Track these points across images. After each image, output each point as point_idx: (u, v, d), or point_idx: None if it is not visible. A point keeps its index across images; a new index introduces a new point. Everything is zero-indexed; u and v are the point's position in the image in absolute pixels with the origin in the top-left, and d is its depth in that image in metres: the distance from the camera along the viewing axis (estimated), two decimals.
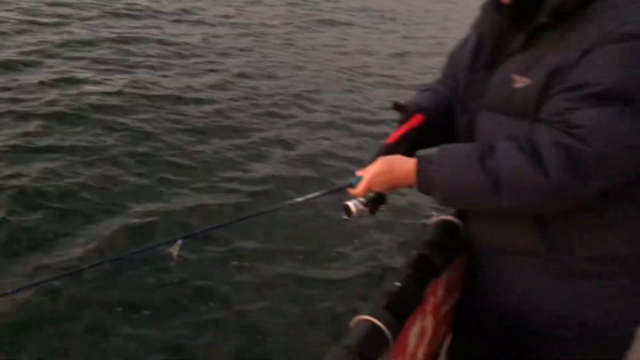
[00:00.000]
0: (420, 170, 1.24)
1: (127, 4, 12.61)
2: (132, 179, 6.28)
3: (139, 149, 6.82)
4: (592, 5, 1.13)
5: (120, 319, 4.49)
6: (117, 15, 11.88)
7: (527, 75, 1.18)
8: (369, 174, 1.29)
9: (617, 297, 1.26)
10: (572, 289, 1.26)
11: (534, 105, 1.17)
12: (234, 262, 5.73)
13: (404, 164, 1.26)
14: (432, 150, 1.24)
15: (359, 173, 1.34)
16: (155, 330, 4.47)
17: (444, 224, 1.38)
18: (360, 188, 1.29)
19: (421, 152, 1.25)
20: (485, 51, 1.32)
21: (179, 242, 1.32)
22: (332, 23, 14.93)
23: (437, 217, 1.41)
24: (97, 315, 4.64)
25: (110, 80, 8.51)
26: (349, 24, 15.04)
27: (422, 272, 1.22)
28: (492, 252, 1.35)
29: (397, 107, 1.43)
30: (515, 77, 1.19)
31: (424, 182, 1.24)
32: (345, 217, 1.36)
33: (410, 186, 1.27)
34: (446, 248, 1.33)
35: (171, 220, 6.14)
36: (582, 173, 1.10)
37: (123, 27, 11.23)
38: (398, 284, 1.14)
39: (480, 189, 1.17)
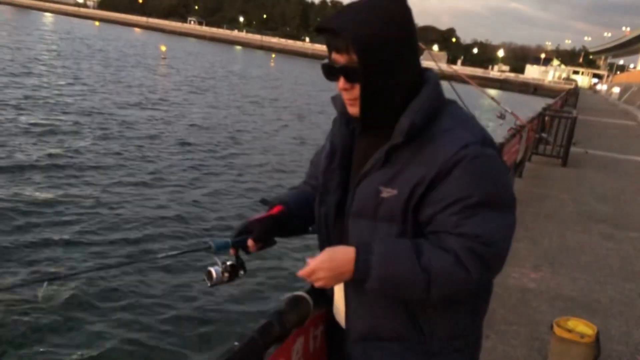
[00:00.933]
0: (359, 259, 1.39)
1: None
2: None
3: None
4: (432, 128, 1.41)
5: None
6: None
7: (392, 186, 1.41)
8: (315, 261, 1.42)
9: None
10: None
11: (400, 210, 1.41)
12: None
13: (346, 253, 1.41)
14: (371, 243, 1.41)
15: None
16: None
17: (294, 298, 1.58)
18: (305, 271, 1.43)
19: (361, 243, 1.42)
20: (338, 157, 1.59)
21: (45, 284, 1.45)
22: None
23: (290, 293, 1.62)
24: None
25: None
26: None
27: (262, 337, 1.40)
28: (366, 340, 1.55)
29: (262, 201, 1.73)
30: (382, 188, 1.43)
31: (362, 270, 1.39)
32: (207, 281, 1.53)
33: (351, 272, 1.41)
34: (292, 319, 1.52)
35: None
36: (491, 268, 1.41)
37: None
38: (237, 343, 1.32)
39: (416, 284, 1.38)
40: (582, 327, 3.54)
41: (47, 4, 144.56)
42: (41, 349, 5.26)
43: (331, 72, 1.44)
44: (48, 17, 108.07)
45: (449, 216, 1.37)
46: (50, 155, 11.89)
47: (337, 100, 1.60)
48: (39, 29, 59.69)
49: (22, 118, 15.12)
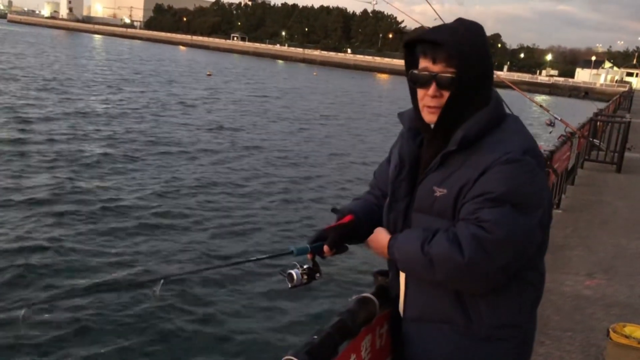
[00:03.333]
0: (388, 246, 1.71)
1: None
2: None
3: None
4: (485, 139, 1.60)
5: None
6: None
7: (443, 187, 1.62)
8: (370, 238, 1.80)
9: (513, 355, 1.69)
10: (482, 350, 1.66)
11: (449, 208, 1.62)
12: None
13: (384, 238, 1.75)
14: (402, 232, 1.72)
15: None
16: None
17: (363, 299, 1.74)
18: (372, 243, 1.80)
19: (397, 234, 1.73)
20: (406, 168, 1.77)
21: (161, 281, 1.65)
22: None
23: (358, 294, 1.77)
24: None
25: None
26: None
27: (337, 332, 1.55)
28: (419, 321, 1.74)
29: (333, 210, 1.94)
30: (435, 188, 1.64)
31: (390, 254, 1.72)
32: (288, 283, 1.72)
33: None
34: (361, 317, 1.68)
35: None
36: (488, 253, 1.52)
37: None
38: (315, 337, 1.48)
39: (421, 265, 1.60)
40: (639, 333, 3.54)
41: (97, 26, 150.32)
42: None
43: (424, 79, 1.64)
44: (97, 38, 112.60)
45: (471, 205, 1.56)
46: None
47: (404, 116, 1.83)
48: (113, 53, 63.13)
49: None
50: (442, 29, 1.63)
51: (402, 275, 1.78)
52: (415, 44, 1.68)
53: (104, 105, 23.65)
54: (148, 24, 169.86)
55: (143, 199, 11.33)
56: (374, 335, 1.82)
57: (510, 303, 1.66)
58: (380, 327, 1.87)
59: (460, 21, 1.66)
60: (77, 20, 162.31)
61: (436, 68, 1.61)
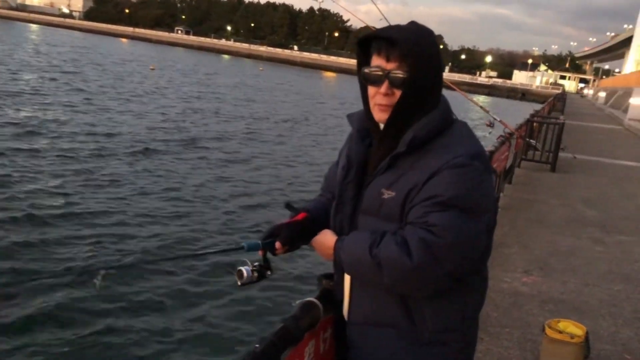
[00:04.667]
0: (335, 248, 1.69)
1: None
2: None
3: None
4: (434, 142, 1.61)
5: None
6: None
7: (392, 189, 1.61)
8: (314, 238, 1.76)
9: (456, 358, 1.70)
10: (425, 353, 1.66)
11: (397, 211, 1.60)
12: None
13: (330, 240, 1.72)
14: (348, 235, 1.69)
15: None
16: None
17: (307, 304, 1.72)
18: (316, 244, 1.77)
19: (344, 236, 1.70)
20: (354, 169, 1.76)
21: (102, 272, 1.58)
22: None
23: (302, 299, 1.75)
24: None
25: None
26: None
27: (280, 340, 1.52)
28: (364, 325, 1.73)
29: (287, 206, 1.89)
30: (383, 190, 1.63)
31: (336, 256, 1.69)
32: (237, 280, 1.67)
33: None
34: (305, 322, 1.65)
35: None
36: (436, 258, 1.52)
37: None
38: (257, 346, 1.45)
39: (368, 268, 1.58)
40: (572, 328, 3.68)
41: (32, 15, 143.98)
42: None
43: (376, 76, 1.64)
44: (34, 28, 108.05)
45: (420, 208, 1.55)
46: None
47: (353, 118, 1.82)
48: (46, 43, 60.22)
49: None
50: (398, 28, 1.63)
51: (347, 279, 1.76)
52: (369, 42, 1.68)
53: (37, 95, 22.65)
54: (88, 15, 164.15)
55: (86, 191, 11.14)
56: (317, 340, 1.80)
57: (454, 308, 1.67)
58: (324, 332, 1.85)
59: (414, 23, 1.67)
60: (11, 8, 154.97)
61: (389, 66, 1.61)
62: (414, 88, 1.60)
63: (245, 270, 1.67)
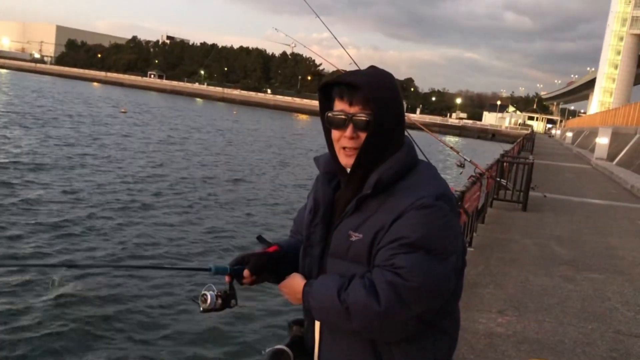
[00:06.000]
0: (303, 292, 1.65)
1: None
2: None
3: None
4: (399, 183, 1.61)
5: None
6: None
7: (359, 231, 1.60)
8: (282, 282, 1.72)
9: None
10: None
11: (365, 253, 1.58)
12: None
13: (299, 284, 1.68)
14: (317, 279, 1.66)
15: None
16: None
17: (276, 352, 1.66)
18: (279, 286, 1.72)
19: (312, 280, 1.67)
20: (321, 212, 1.74)
21: (63, 269, 1.50)
22: None
23: (272, 347, 1.69)
24: None
25: None
26: None
27: None
28: None
29: (259, 239, 1.85)
30: (351, 232, 1.61)
31: (305, 301, 1.66)
32: (200, 305, 1.60)
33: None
34: None
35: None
36: (404, 301, 1.49)
37: None
38: None
39: (337, 314, 1.55)
40: None
41: (2, 60, 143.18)
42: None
43: (341, 120, 1.65)
44: (3, 73, 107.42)
45: (386, 251, 1.54)
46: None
47: (319, 161, 1.81)
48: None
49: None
50: (359, 73, 1.65)
51: (317, 324, 1.72)
52: (332, 87, 1.69)
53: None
54: (60, 60, 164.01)
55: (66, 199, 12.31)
56: None
57: (424, 352, 1.63)
58: None
59: (373, 68, 1.70)
60: None
61: (352, 110, 1.63)
62: (378, 130, 1.61)
63: (209, 295, 1.61)
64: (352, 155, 1.65)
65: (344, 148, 1.66)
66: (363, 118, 1.61)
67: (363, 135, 1.62)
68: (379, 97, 1.61)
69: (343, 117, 1.64)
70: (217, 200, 15.76)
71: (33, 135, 24.49)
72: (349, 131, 1.63)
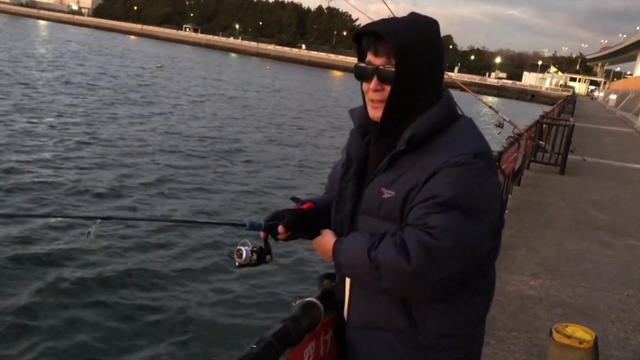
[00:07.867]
0: (333, 249, 1.64)
1: None
2: None
3: None
4: (436, 139, 1.53)
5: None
6: None
7: (391, 188, 1.54)
8: (314, 240, 1.72)
9: None
10: (427, 359, 1.59)
11: (397, 211, 1.53)
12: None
13: (329, 242, 1.67)
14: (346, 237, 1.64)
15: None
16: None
17: (307, 304, 1.65)
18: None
19: (342, 237, 1.65)
20: (354, 166, 1.69)
21: (98, 222, 1.51)
22: None
23: (302, 299, 1.68)
24: None
25: None
26: None
27: (279, 340, 1.46)
28: (363, 328, 1.66)
29: (293, 199, 1.84)
30: (383, 189, 1.56)
31: (335, 259, 1.64)
32: (235, 260, 1.60)
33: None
34: (305, 323, 1.59)
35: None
36: (436, 261, 1.45)
37: None
38: (254, 346, 1.38)
39: (366, 272, 1.52)
40: (581, 333, 3.59)
41: (42, 11, 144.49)
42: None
43: (366, 72, 1.58)
44: (42, 24, 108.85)
45: (419, 209, 1.49)
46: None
47: (354, 113, 1.75)
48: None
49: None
50: (389, 22, 1.57)
51: (348, 280, 1.70)
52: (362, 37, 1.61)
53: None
54: (97, 11, 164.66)
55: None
56: (317, 342, 1.74)
57: (457, 312, 1.59)
58: (325, 333, 1.78)
59: (412, 15, 1.59)
60: (21, 5, 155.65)
61: (378, 61, 1.55)
62: (403, 83, 1.53)
63: (245, 250, 1.61)
64: (379, 108, 1.58)
65: (371, 100, 1.60)
66: (387, 69, 1.53)
67: (388, 88, 1.55)
68: (405, 46, 1.50)
69: (368, 67, 1.57)
70: (265, 160, 15.92)
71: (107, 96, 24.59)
72: (373, 83, 1.57)
